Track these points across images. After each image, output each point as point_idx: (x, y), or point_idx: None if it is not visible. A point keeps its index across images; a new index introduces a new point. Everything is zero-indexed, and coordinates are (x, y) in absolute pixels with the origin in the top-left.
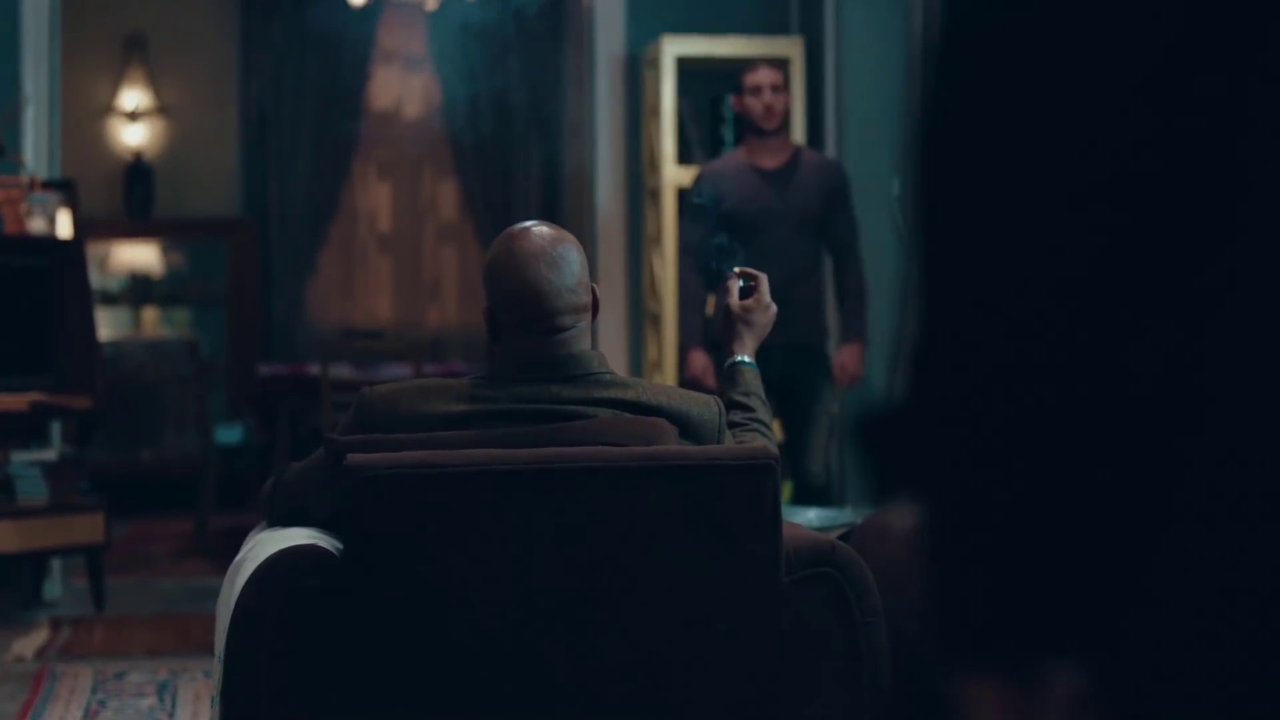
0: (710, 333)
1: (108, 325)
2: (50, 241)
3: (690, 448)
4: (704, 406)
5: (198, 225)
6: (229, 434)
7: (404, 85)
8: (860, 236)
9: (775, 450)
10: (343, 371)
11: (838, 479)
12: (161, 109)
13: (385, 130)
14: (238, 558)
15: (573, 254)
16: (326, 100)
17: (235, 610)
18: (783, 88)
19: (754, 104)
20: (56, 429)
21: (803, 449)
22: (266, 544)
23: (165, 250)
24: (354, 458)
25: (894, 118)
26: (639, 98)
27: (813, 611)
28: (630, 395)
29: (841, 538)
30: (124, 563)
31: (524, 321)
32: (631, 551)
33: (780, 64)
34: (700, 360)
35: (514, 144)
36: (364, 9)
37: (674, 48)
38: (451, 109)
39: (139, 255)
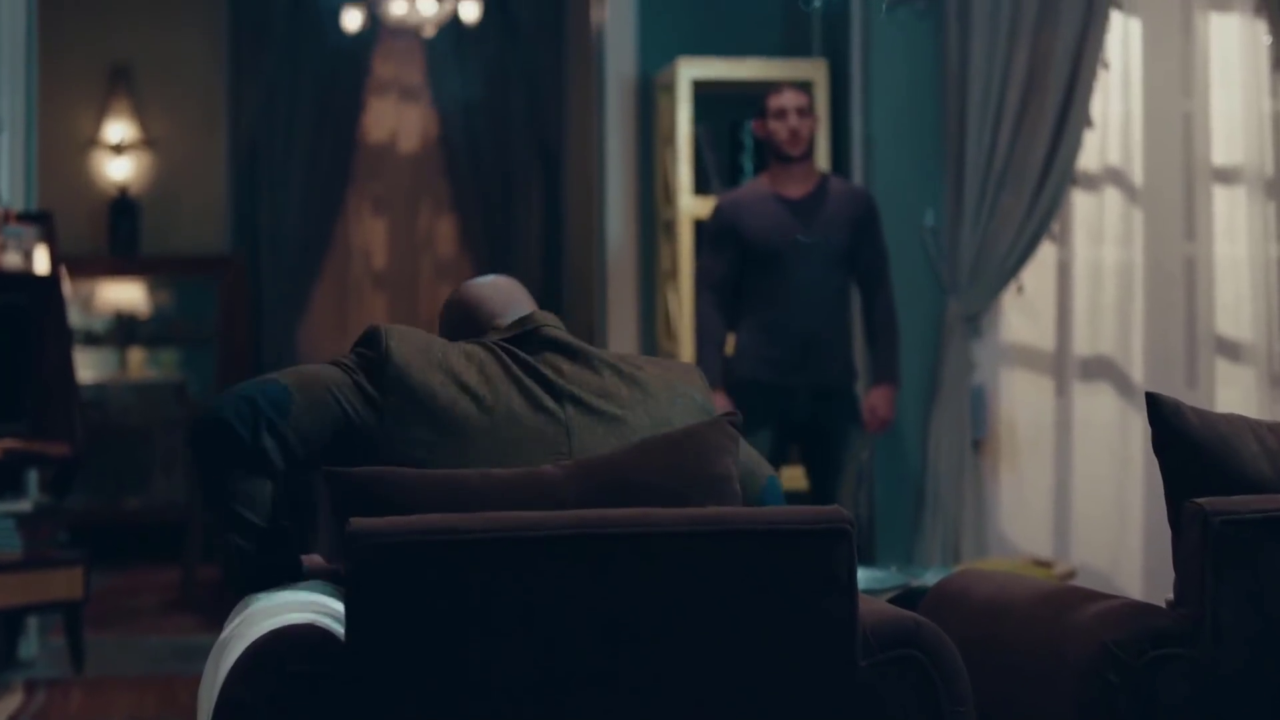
0: (731, 373)
1: (92, 366)
2: (26, 278)
3: (751, 510)
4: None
5: (186, 262)
6: None
7: (400, 115)
8: (890, 269)
9: (849, 514)
10: None
11: (868, 529)
12: (148, 141)
13: (380, 162)
14: (223, 635)
15: None
16: (319, 132)
17: (219, 702)
18: (808, 111)
19: (778, 128)
20: (33, 478)
21: (830, 498)
22: (257, 619)
23: (152, 288)
24: (360, 523)
25: (925, 143)
26: (652, 124)
27: (893, 700)
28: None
29: (894, 602)
30: (105, 617)
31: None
32: (683, 630)
33: (803, 87)
34: (721, 403)
35: (515, 175)
36: (359, 36)
37: (690, 70)
38: (449, 139)
39: (124, 294)
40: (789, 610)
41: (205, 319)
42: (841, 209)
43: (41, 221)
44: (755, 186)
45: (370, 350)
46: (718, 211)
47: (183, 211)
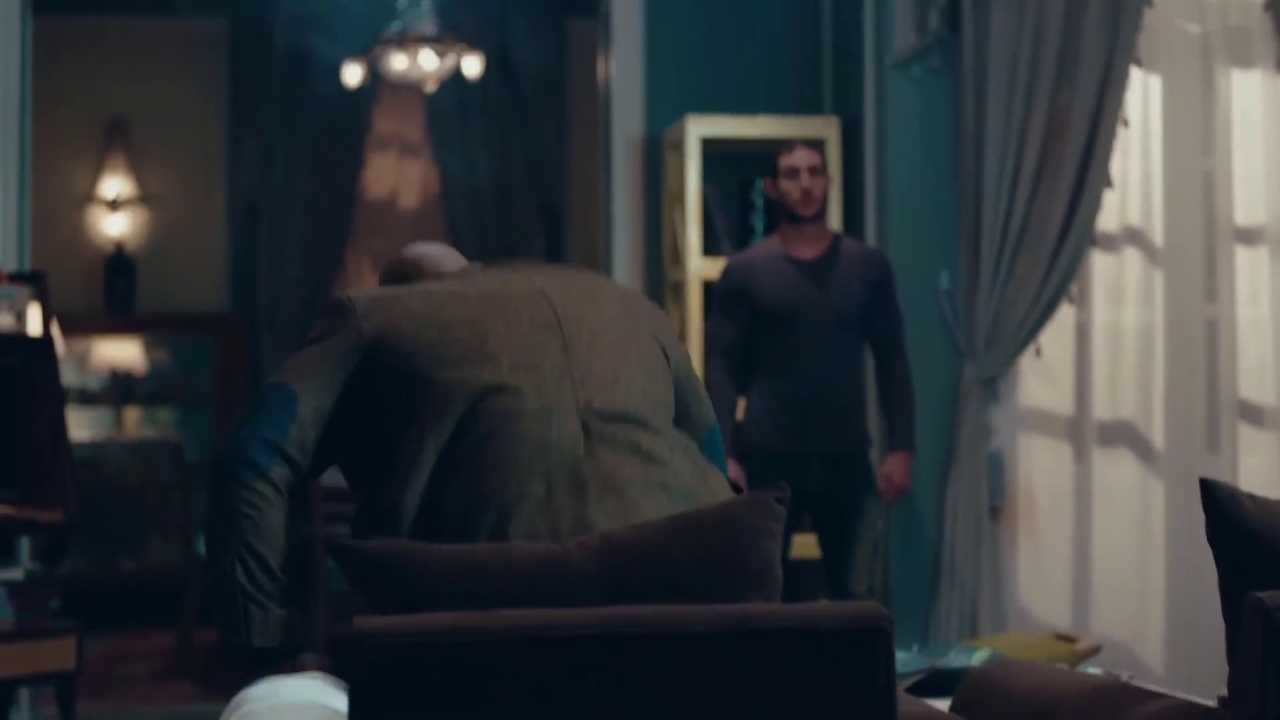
0: (742, 440)
1: (87, 425)
2: (18, 339)
3: (786, 609)
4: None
5: (183, 320)
6: None
7: (400, 172)
8: (905, 333)
9: (887, 612)
10: (337, 478)
11: (883, 601)
12: (144, 197)
13: (380, 219)
14: None
15: None
16: (319, 187)
17: None
18: (821, 170)
19: (790, 188)
20: (25, 545)
21: (845, 570)
22: None
23: (148, 347)
24: (366, 623)
25: (940, 202)
26: (660, 183)
27: None
28: None
29: (914, 688)
30: (99, 686)
31: None
32: None
33: (815, 145)
34: (732, 472)
35: (517, 231)
36: (359, 91)
37: (699, 128)
38: (450, 195)
39: (120, 352)
40: (823, 716)
41: (202, 378)
42: (855, 271)
43: (34, 282)
44: (766, 247)
45: (335, 312)
46: (728, 273)
47: (180, 268)
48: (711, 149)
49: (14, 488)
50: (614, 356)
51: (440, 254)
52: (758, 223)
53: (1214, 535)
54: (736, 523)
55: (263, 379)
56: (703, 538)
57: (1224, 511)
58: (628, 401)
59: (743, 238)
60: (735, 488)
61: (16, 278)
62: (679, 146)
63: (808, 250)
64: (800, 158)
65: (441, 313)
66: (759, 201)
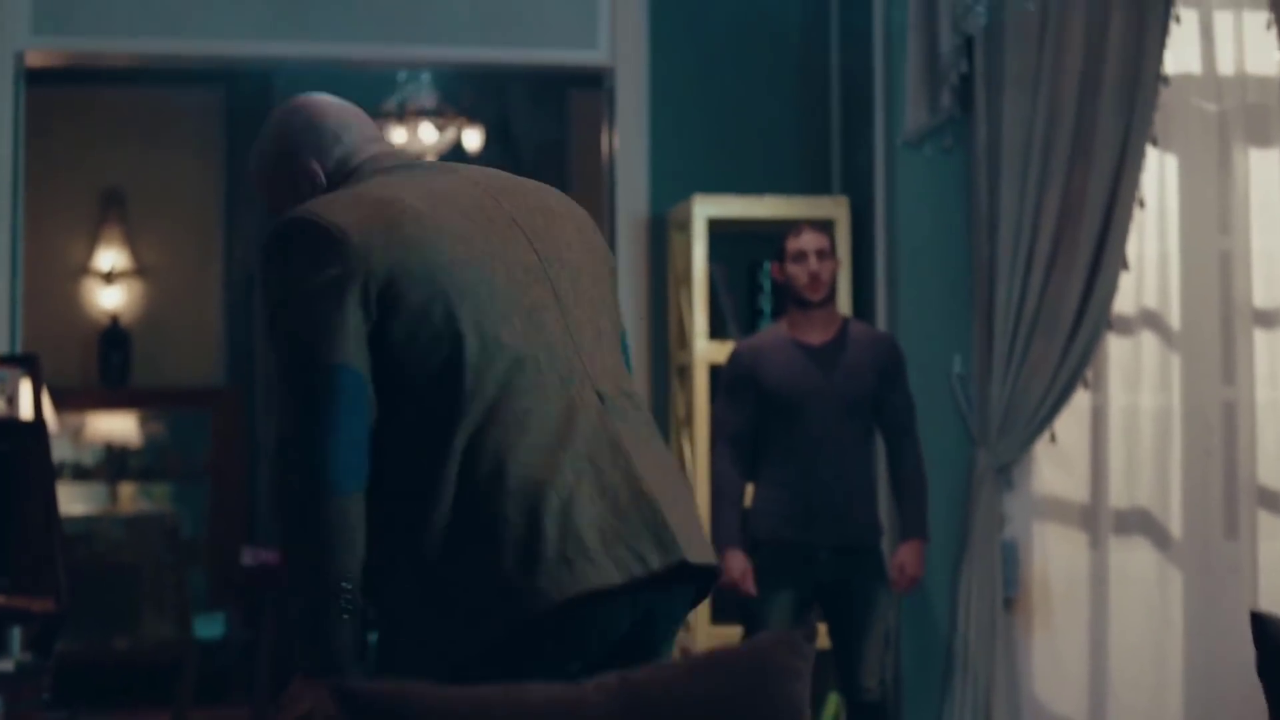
0: (750, 530)
1: (81, 500)
2: (10, 423)
3: None
4: None
5: (178, 395)
6: (209, 626)
7: None
8: (917, 419)
9: None
10: None
11: (894, 696)
12: (140, 270)
13: None
14: None
15: None
16: None
17: None
18: (829, 253)
19: (798, 272)
20: (15, 635)
21: (856, 663)
22: None
23: (143, 421)
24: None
25: (952, 285)
26: (665, 263)
27: None
28: None
29: None
30: None
31: None
32: None
33: (823, 226)
34: (739, 563)
35: None
36: None
37: (705, 208)
38: None
39: (115, 426)
40: None
41: (198, 453)
42: (865, 356)
43: (27, 364)
44: (774, 333)
45: (325, 245)
46: (735, 359)
47: (176, 342)
48: (718, 229)
49: (4, 576)
50: (591, 305)
51: (355, 117)
52: (765, 305)
53: (1265, 669)
54: (763, 663)
55: (258, 452)
56: (727, 679)
57: (1275, 644)
58: (615, 361)
59: (750, 320)
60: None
61: (8, 360)
62: (685, 226)
63: (816, 335)
64: (807, 241)
65: (441, 248)
66: (766, 283)
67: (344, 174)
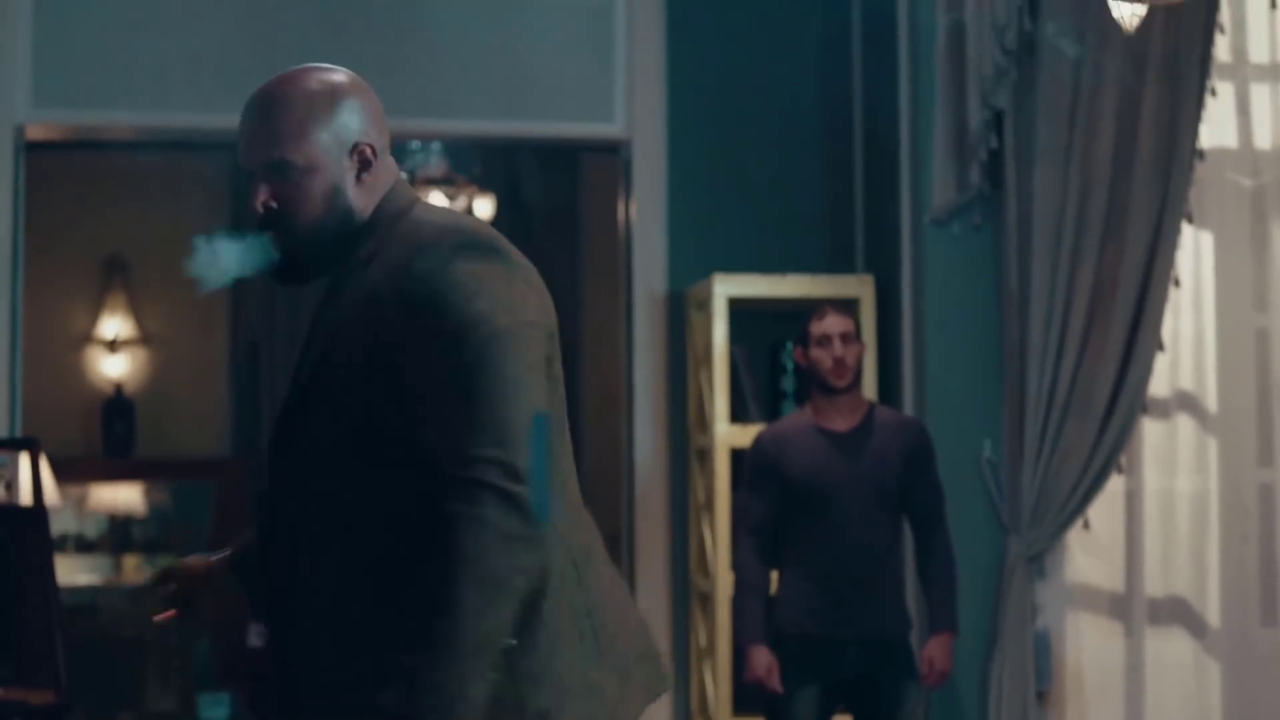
0: (774, 624)
1: (84, 572)
2: (9, 510)
3: None
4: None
5: (183, 466)
6: (214, 708)
7: None
8: (946, 507)
9: None
10: None
11: None
12: (144, 338)
13: None
14: None
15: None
16: None
17: None
18: (854, 337)
19: (822, 357)
20: None
21: None
22: None
23: (148, 492)
24: None
25: (981, 367)
26: (684, 343)
27: None
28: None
29: None
30: None
31: None
32: None
33: (847, 306)
34: (764, 659)
35: None
36: None
37: (726, 288)
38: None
39: (119, 497)
40: None
41: (202, 524)
42: (892, 442)
43: (27, 446)
44: (797, 419)
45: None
46: (758, 446)
47: (180, 412)
48: (739, 308)
49: (3, 668)
50: None
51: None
52: (788, 385)
53: None
54: None
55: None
56: None
57: None
58: None
59: (771, 402)
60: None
61: (7, 443)
62: (704, 305)
63: (841, 422)
64: (832, 324)
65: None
66: (789, 364)
67: (379, 183)
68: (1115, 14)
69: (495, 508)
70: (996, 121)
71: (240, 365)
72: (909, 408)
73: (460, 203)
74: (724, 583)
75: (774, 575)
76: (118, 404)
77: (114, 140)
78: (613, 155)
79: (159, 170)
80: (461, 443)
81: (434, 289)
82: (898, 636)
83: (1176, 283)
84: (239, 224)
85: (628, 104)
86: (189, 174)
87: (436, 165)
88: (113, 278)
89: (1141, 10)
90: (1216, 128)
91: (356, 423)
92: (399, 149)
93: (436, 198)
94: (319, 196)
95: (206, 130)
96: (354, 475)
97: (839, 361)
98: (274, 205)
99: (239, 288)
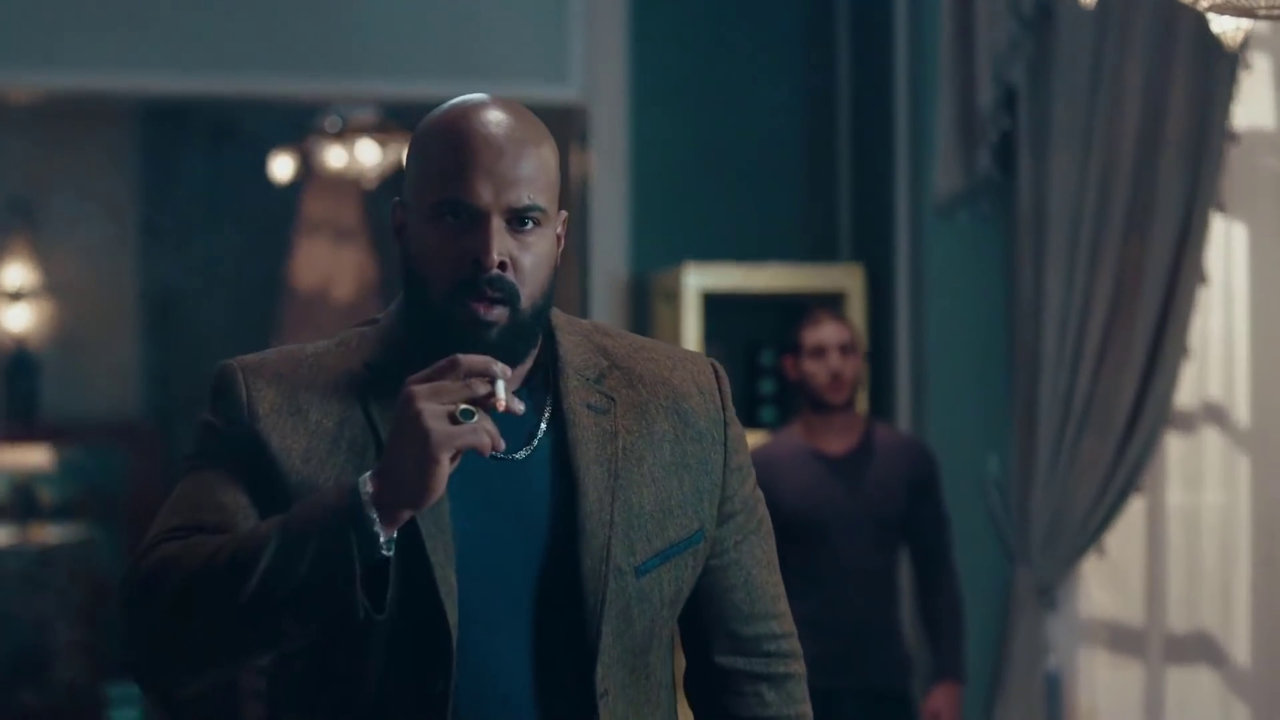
0: None
1: None
2: None
3: None
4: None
5: (92, 428)
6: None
7: (334, 259)
8: (952, 538)
9: None
10: None
11: None
12: (49, 288)
13: (312, 312)
14: None
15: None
16: (242, 278)
17: None
18: (853, 348)
19: (816, 371)
20: None
21: None
22: None
23: (54, 457)
24: None
25: (988, 374)
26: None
27: None
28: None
29: None
30: None
31: None
32: None
33: (833, 300)
34: None
35: None
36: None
37: (699, 279)
38: (392, 286)
39: (23, 461)
40: None
41: (114, 491)
42: (895, 468)
43: None
44: (787, 440)
45: None
46: None
47: (89, 370)
48: (711, 300)
49: None
50: None
51: None
52: (766, 388)
53: None
54: None
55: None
56: None
57: None
58: None
59: (749, 409)
60: None
61: None
62: (672, 296)
63: (837, 444)
64: (828, 333)
65: None
66: (768, 362)
67: None
68: (1215, 29)
69: None
70: (1009, 100)
71: (153, 318)
72: (904, 419)
73: (393, 153)
74: None
75: None
76: (21, 361)
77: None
78: (568, 122)
79: (64, 108)
80: None
81: None
82: (898, 686)
83: (1205, 280)
84: (149, 168)
85: (585, 64)
86: (98, 115)
87: (368, 112)
88: (15, 222)
89: (1246, 24)
90: (1251, 107)
91: None
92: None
93: (366, 148)
94: None
95: (118, 94)
96: None
97: (835, 376)
98: None
99: (150, 235)
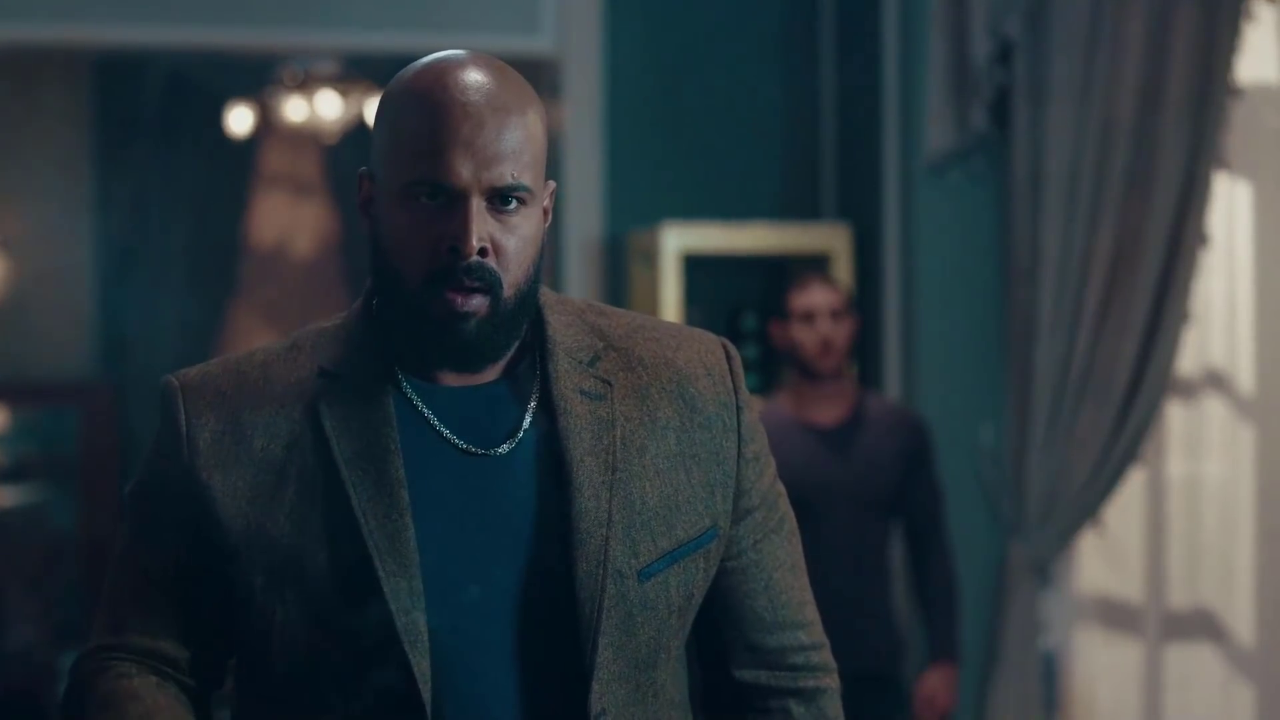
0: None
1: None
2: None
3: None
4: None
5: (43, 389)
6: None
7: (293, 214)
8: (946, 513)
9: None
10: None
11: None
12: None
13: (271, 268)
14: None
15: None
16: (199, 234)
17: None
18: (845, 313)
19: (805, 337)
20: None
21: None
22: None
23: (4, 416)
24: None
25: (981, 339)
26: (624, 300)
27: None
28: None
29: None
30: None
31: None
32: None
33: (818, 261)
34: None
35: None
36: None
37: (678, 239)
38: (352, 241)
39: None
40: None
41: (65, 453)
42: (886, 440)
43: None
44: (774, 410)
45: None
46: None
47: (41, 328)
48: (691, 261)
49: None
50: None
51: None
52: (750, 353)
53: None
54: None
55: (132, 453)
56: None
57: None
58: None
59: None
60: None
61: None
62: (650, 258)
63: (827, 414)
64: (818, 298)
65: None
66: (749, 327)
67: None
68: None
69: None
70: (1004, 53)
71: (107, 274)
72: (893, 385)
73: (354, 104)
74: None
75: None
76: None
77: None
78: (540, 75)
79: (14, 58)
80: None
81: None
82: (889, 669)
83: (1208, 241)
84: (104, 121)
85: (558, 13)
86: (47, 63)
87: (329, 64)
88: None
89: None
90: (1256, 60)
91: None
92: (288, 62)
93: (327, 99)
94: None
95: (71, 43)
96: None
97: (826, 343)
98: None
99: (104, 189)
